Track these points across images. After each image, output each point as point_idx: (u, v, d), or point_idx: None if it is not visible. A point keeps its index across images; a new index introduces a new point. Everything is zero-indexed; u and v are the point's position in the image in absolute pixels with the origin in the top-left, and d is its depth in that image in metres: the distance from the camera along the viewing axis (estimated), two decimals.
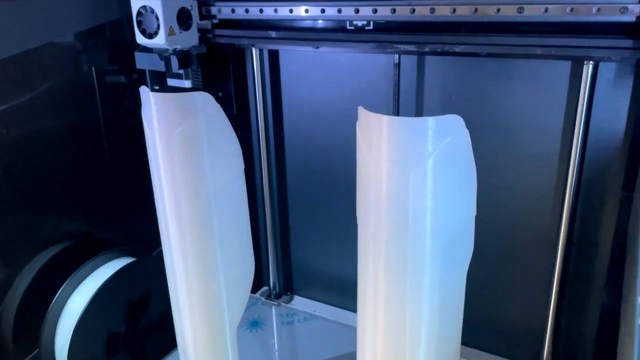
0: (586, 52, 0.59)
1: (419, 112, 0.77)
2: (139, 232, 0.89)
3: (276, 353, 0.83)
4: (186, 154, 0.55)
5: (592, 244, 0.71)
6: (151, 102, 0.54)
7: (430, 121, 0.42)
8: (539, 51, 0.61)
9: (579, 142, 0.66)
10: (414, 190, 0.43)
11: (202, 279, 0.60)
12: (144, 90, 0.55)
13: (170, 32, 0.75)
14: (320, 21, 0.75)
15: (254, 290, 1.02)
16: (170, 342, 0.80)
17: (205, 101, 0.54)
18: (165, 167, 0.56)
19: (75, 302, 0.77)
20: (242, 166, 0.61)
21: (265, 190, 0.94)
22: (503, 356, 0.82)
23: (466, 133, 0.43)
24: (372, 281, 0.48)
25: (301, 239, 0.98)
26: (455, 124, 0.43)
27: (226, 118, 0.57)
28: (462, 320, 0.51)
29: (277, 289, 1.00)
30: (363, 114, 0.45)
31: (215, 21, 0.81)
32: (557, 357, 0.78)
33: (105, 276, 0.79)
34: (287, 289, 1.01)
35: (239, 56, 0.87)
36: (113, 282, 0.78)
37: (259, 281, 1.03)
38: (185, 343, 0.65)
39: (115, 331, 0.80)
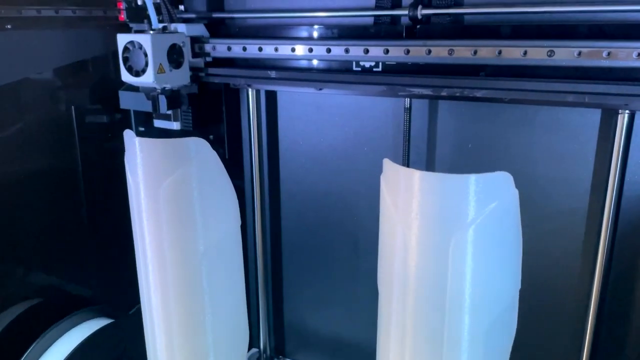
0: (625, 101, 0.53)
1: (430, 161, 0.71)
2: (115, 289, 0.80)
3: None
4: (175, 210, 0.47)
5: (626, 315, 0.64)
6: (136, 148, 0.46)
7: (473, 180, 0.35)
8: (570, 98, 0.55)
9: (613, 197, 0.59)
10: (453, 263, 0.36)
11: (188, 353, 0.52)
12: (128, 135, 0.48)
13: (159, 70, 0.68)
14: (323, 61, 0.69)
15: None
16: None
17: (199, 148, 0.47)
18: (150, 223, 0.48)
19: None
20: (239, 221, 0.53)
21: (257, 243, 0.86)
22: None
23: (515, 194, 0.36)
24: None
25: (296, 297, 0.89)
26: (503, 182, 0.36)
27: (222, 167, 0.50)
28: None
29: (268, 351, 0.90)
30: (389, 166, 0.38)
31: (208, 59, 0.75)
32: None
33: (77, 340, 0.69)
34: (279, 351, 0.92)
35: (233, 96, 0.81)
36: (86, 347, 0.69)
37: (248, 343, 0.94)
38: None
39: None
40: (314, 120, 0.77)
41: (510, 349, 0.41)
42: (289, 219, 0.85)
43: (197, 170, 0.47)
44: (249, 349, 0.93)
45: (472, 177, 0.34)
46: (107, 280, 0.81)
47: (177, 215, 0.47)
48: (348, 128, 0.75)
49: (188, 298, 0.50)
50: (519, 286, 0.39)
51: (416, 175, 0.35)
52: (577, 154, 0.62)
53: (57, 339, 0.70)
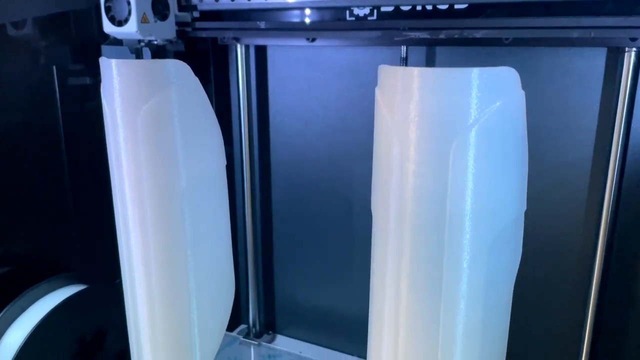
0: (631, 34, 0.51)
1: None
2: (96, 256, 0.76)
3: None
4: (154, 139, 0.44)
5: (632, 267, 0.61)
6: (113, 71, 0.43)
7: (476, 74, 0.32)
8: (575, 34, 0.52)
9: (619, 145, 0.57)
10: (453, 170, 0.32)
11: (168, 300, 0.48)
12: (104, 62, 0.44)
13: (143, 19, 0.65)
14: (315, 11, 0.66)
15: (230, 328, 0.88)
16: None
17: (180, 72, 0.44)
18: (128, 154, 0.44)
19: (11, 336, 0.64)
20: (224, 161, 0.50)
21: (247, 213, 0.83)
22: None
23: (522, 95, 0.33)
24: (390, 292, 0.36)
25: (286, 270, 0.85)
26: (508, 80, 0.33)
27: (205, 96, 0.46)
28: (506, 348, 0.40)
29: (258, 327, 0.86)
30: (386, 71, 0.35)
31: (196, 14, 0.72)
32: None
33: (50, 306, 0.65)
34: (269, 327, 0.88)
35: (222, 56, 0.77)
36: (59, 313, 0.65)
37: (236, 318, 0.90)
38: None
39: None
40: (306, 79, 0.74)
41: (515, 273, 0.38)
42: (279, 185, 0.81)
43: (177, 95, 0.43)
44: (237, 325, 0.89)
45: (475, 71, 0.31)
46: (88, 247, 0.77)
47: (156, 146, 0.44)
48: (341, 86, 0.72)
49: (168, 237, 0.46)
50: (524, 205, 0.36)
51: (414, 73, 0.32)
52: (581, 101, 0.59)
53: (30, 304, 0.66)
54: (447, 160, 0.32)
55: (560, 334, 0.66)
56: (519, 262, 0.38)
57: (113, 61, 0.43)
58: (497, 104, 0.32)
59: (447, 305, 0.35)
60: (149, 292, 0.48)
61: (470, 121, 0.32)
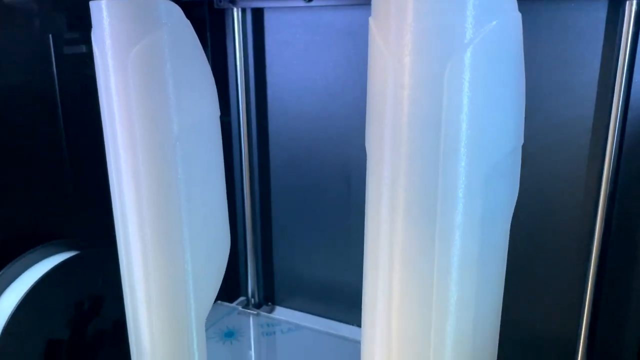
0: None
1: None
2: (93, 223, 0.75)
3: None
4: (145, 82, 0.43)
5: (635, 230, 0.60)
6: (103, 13, 0.42)
7: None
8: None
9: (620, 103, 0.56)
10: (449, 94, 0.32)
11: (161, 249, 0.47)
12: (94, 5, 0.44)
13: None
14: None
15: (229, 301, 0.88)
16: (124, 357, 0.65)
17: (171, 13, 0.43)
18: (119, 98, 0.43)
19: (5, 301, 0.63)
20: (218, 110, 0.49)
21: (244, 182, 0.82)
22: None
23: (518, 18, 0.33)
24: (385, 227, 0.35)
25: (285, 241, 0.85)
26: (504, 1, 0.32)
27: (198, 41, 0.45)
28: (502, 288, 0.39)
29: (257, 298, 0.86)
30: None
31: None
32: None
33: (44, 271, 0.65)
34: (268, 299, 0.87)
35: (218, 22, 0.77)
36: (53, 278, 0.64)
37: (234, 291, 0.89)
38: (139, 344, 0.51)
39: (56, 338, 0.65)
40: (304, 43, 0.73)
41: (511, 213, 0.37)
42: (278, 156, 0.81)
43: (168, 37, 0.42)
44: (236, 298, 0.88)
45: None
46: (86, 214, 0.76)
47: (147, 89, 0.43)
48: (340, 49, 0.71)
49: (161, 184, 0.45)
50: (521, 138, 0.35)
51: None
52: (582, 56, 0.58)
53: (25, 270, 0.66)
54: (441, 83, 0.31)
55: (562, 294, 0.66)
56: (515, 200, 0.37)
57: (103, 2, 0.42)
58: (493, 23, 0.31)
59: (442, 236, 0.34)
60: (142, 241, 0.47)
61: (465, 41, 0.31)
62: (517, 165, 0.36)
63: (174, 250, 0.47)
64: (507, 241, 0.38)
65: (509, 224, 0.38)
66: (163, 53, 0.43)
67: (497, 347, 0.41)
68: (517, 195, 0.38)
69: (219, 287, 0.51)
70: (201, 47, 0.46)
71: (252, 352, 0.72)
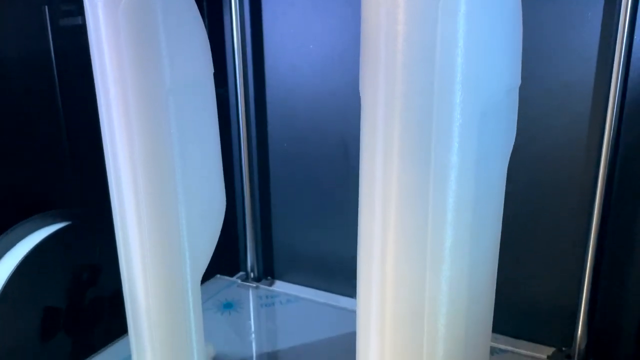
0: None
1: None
2: (90, 194, 0.74)
3: (253, 336, 0.68)
4: (136, 34, 0.42)
5: (637, 192, 0.59)
6: None
7: None
8: None
9: (621, 64, 0.55)
10: (443, 27, 0.31)
11: (155, 206, 0.47)
12: None
13: None
14: None
15: (228, 275, 0.88)
16: (121, 327, 0.65)
17: None
18: (110, 51, 0.43)
19: (0, 268, 0.63)
20: (211, 67, 0.48)
21: (243, 156, 0.82)
22: (526, 340, 0.68)
23: None
24: (380, 173, 0.35)
25: (285, 216, 0.84)
26: None
27: None
28: (499, 241, 0.38)
29: (256, 273, 0.85)
30: None
31: None
32: (593, 342, 0.64)
33: (39, 239, 0.64)
34: (268, 273, 0.87)
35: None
36: (49, 245, 0.64)
37: (234, 265, 0.89)
38: (134, 303, 0.51)
39: (52, 307, 0.65)
40: (302, 12, 0.72)
41: (508, 156, 0.36)
42: (276, 131, 0.80)
43: None
44: (235, 272, 0.88)
45: None
46: (84, 184, 0.75)
47: (138, 41, 0.42)
48: (338, 19, 0.70)
49: (154, 140, 0.45)
50: (518, 79, 0.35)
51: None
52: (583, 16, 0.57)
53: (22, 237, 0.66)
54: (435, 17, 0.31)
55: (562, 258, 0.65)
56: (512, 144, 0.37)
57: None
58: None
59: (437, 176, 0.33)
60: (136, 196, 0.47)
61: None
62: (514, 107, 0.35)
63: (168, 206, 0.47)
64: (504, 186, 0.37)
65: (506, 168, 0.37)
66: (154, 5, 0.42)
67: (494, 295, 0.40)
68: (514, 139, 0.37)
69: (214, 246, 0.51)
70: (194, 3, 0.45)
71: (252, 322, 0.71)
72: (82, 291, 0.68)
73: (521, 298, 0.68)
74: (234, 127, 0.82)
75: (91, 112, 0.50)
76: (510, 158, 0.63)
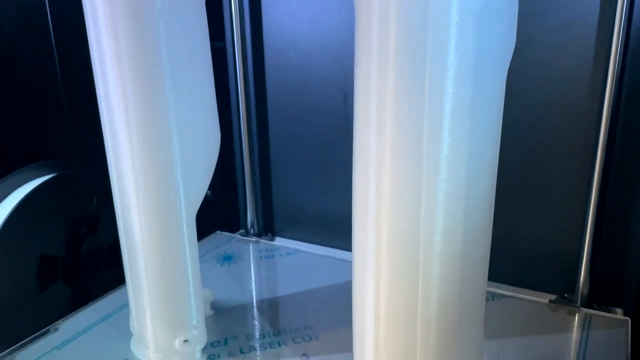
0: None
1: None
2: (89, 145, 0.74)
3: (253, 284, 0.68)
4: None
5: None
6: None
7: None
8: None
9: (625, 2, 0.53)
10: None
11: (147, 136, 0.46)
12: None
13: None
14: None
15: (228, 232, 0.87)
16: (120, 278, 0.64)
17: None
18: None
19: None
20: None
21: (241, 112, 0.80)
22: (527, 288, 0.67)
23: None
24: (375, 75, 0.34)
25: (284, 171, 0.83)
26: None
27: None
28: (497, 151, 0.37)
29: (256, 229, 0.85)
30: None
31: None
32: (596, 287, 0.63)
33: (34, 186, 0.64)
34: (268, 230, 0.86)
35: None
36: (44, 193, 0.63)
37: (233, 224, 0.89)
38: (129, 235, 0.50)
39: (50, 254, 0.64)
40: None
41: (507, 67, 0.35)
42: (274, 78, 0.79)
43: None
44: (236, 230, 0.87)
45: None
46: (81, 134, 0.74)
47: None
48: None
49: (145, 66, 0.44)
50: None
51: None
52: None
53: (19, 185, 0.65)
54: None
55: (566, 200, 0.64)
56: (512, 52, 0.35)
57: None
58: None
59: (432, 80, 0.32)
60: (127, 123, 0.46)
61: None
62: (513, 7, 0.34)
63: (160, 136, 0.46)
64: (503, 96, 0.36)
65: (505, 77, 0.36)
66: None
67: (492, 212, 0.39)
68: (514, 44, 0.36)
69: (209, 181, 0.50)
70: None
71: (252, 273, 0.71)
72: (79, 241, 0.68)
73: (522, 246, 0.67)
74: (231, 82, 0.81)
75: (88, 60, 0.48)
76: (512, 100, 0.62)
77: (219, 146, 0.51)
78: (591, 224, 0.61)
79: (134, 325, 0.54)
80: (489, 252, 0.40)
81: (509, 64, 0.36)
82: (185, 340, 0.52)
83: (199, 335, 0.52)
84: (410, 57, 0.32)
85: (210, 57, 0.49)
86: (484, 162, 0.36)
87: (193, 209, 0.50)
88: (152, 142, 0.46)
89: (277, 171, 0.84)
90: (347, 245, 0.42)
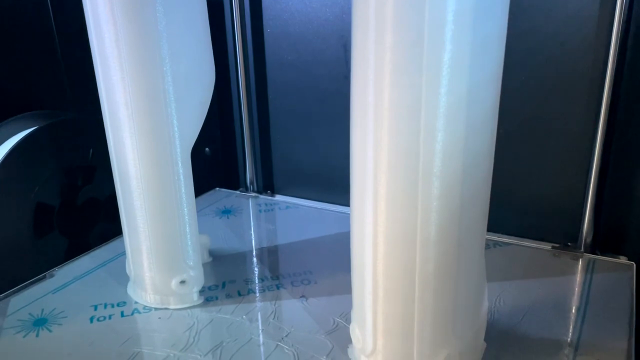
0: None
1: None
2: (85, 96, 0.73)
3: (252, 235, 0.67)
4: None
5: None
6: None
7: None
8: None
9: None
10: None
11: (139, 69, 0.45)
12: None
13: None
14: None
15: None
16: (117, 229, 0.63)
17: None
18: None
19: None
20: None
21: (240, 70, 0.79)
22: (532, 238, 0.66)
23: None
24: (372, 20, 0.33)
25: (283, 128, 0.82)
26: None
27: None
28: (498, 99, 0.36)
29: (255, 187, 0.84)
30: None
31: None
32: (598, 238, 0.62)
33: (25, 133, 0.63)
34: (268, 188, 0.85)
35: None
36: (39, 138, 0.62)
37: (233, 183, 0.87)
38: (122, 171, 0.49)
39: (45, 202, 0.63)
40: None
41: (507, 10, 0.34)
42: (273, 35, 0.77)
43: None
44: (237, 188, 0.86)
45: None
46: (78, 85, 0.73)
47: None
48: None
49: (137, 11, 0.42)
50: None
51: None
52: None
53: (19, 130, 0.64)
54: None
55: (569, 155, 0.62)
56: None
57: None
58: None
59: (431, 30, 0.31)
60: (119, 54, 0.44)
61: None
62: None
63: (152, 66, 0.45)
64: (504, 43, 0.35)
65: (506, 24, 0.35)
66: None
67: (492, 161, 0.38)
68: None
69: (204, 116, 0.49)
70: None
71: (251, 224, 0.70)
72: (76, 191, 0.67)
73: (524, 196, 0.66)
74: (229, 34, 0.79)
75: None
76: (517, 52, 0.61)
77: (213, 81, 0.49)
78: (595, 172, 0.60)
79: (130, 268, 0.53)
80: (491, 174, 0.39)
81: (507, 8, 0.34)
82: (182, 281, 0.51)
83: (195, 276, 0.52)
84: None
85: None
86: (484, 112, 0.35)
87: (188, 145, 0.48)
88: (144, 72, 0.45)
89: (277, 126, 0.82)
90: (347, 202, 0.41)
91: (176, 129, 0.47)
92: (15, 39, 0.67)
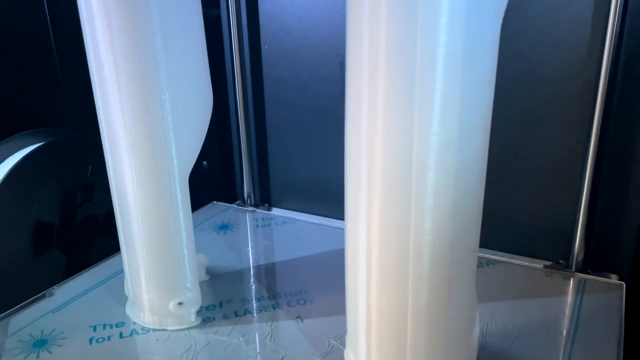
0: None
1: None
2: (84, 114, 0.73)
3: (250, 251, 0.68)
4: None
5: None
6: None
7: None
8: None
9: None
10: None
11: (138, 96, 0.45)
12: None
13: None
14: None
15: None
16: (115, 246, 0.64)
17: None
18: None
19: None
20: None
21: (237, 81, 0.80)
22: (523, 255, 0.67)
23: None
24: (366, 11, 0.33)
25: (280, 144, 0.83)
26: None
27: None
28: (491, 99, 0.37)
29: (253, 200, 0.84)
30: None
31: None
32: (590, 256, 0.63)
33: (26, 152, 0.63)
34: (265, 201, 0.86)
35: None
36: (39, 158, 0.63)
37: (230, 196, 0.88)
38: (122, 198, 0.50)
39: (45, 221, 0.64)
40: None
41: (504, 9, 0.34)
42: (269, 51, 0.78)
43: None
44: (234, 201, 0.87)
45: None
46: (78, 103, 0.74)
47: None
48: None
49: (134, 25, 0.43)
50: None
51: None
52: None
53: (21, 147, 0.65)
54: None
55: (561, 171, 0.64)
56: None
57: None
58: None
59: (425, 24, 0.31)
60: (118, 82, 0.45)
61: None
62: None
63: (151, 94, 0.45)
64: (497, 43, 0.36)
65: (500, 23, 0.35)
66: None
67: (485, 167, 0.39)
68: None
69: (202, 141, 0.50)
70: None
71: (248, 240, 0.71)
72: (75, 209, 0.68)
73: (516, 213, 0.67)
74: (226, 49, 0.80)
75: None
76: (511, 61, 0.61)
77: (211, 106, 0.50)
78: (587, 192, 0.61)
79: (128, 289, 0.54)
80: (482, 208, 0.40)
81: (504, 8, 0.35)
82: (179, 303, 0.52)
83: (193, 297, 0.53)
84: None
85: (202, 16, 0.49)
86: (476, 115, 0.36)
87: (186, 170, 0.49)
88: (142, 99, 0.46)
89: (273, 140, 0.83)
90: (343, 215, 0.42)
91: (174, 155, 0.48)
92: (15, 56, 0.68)
